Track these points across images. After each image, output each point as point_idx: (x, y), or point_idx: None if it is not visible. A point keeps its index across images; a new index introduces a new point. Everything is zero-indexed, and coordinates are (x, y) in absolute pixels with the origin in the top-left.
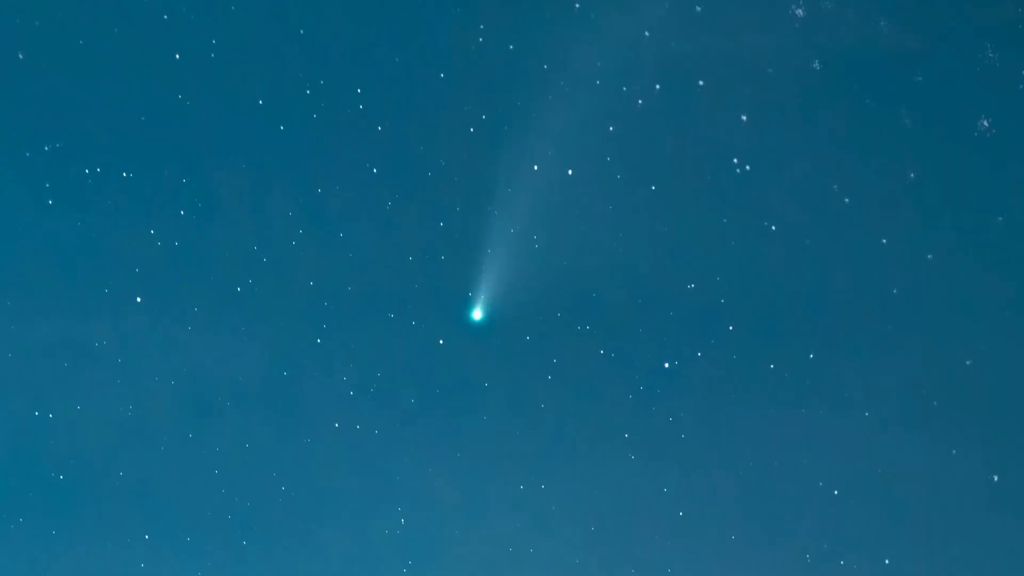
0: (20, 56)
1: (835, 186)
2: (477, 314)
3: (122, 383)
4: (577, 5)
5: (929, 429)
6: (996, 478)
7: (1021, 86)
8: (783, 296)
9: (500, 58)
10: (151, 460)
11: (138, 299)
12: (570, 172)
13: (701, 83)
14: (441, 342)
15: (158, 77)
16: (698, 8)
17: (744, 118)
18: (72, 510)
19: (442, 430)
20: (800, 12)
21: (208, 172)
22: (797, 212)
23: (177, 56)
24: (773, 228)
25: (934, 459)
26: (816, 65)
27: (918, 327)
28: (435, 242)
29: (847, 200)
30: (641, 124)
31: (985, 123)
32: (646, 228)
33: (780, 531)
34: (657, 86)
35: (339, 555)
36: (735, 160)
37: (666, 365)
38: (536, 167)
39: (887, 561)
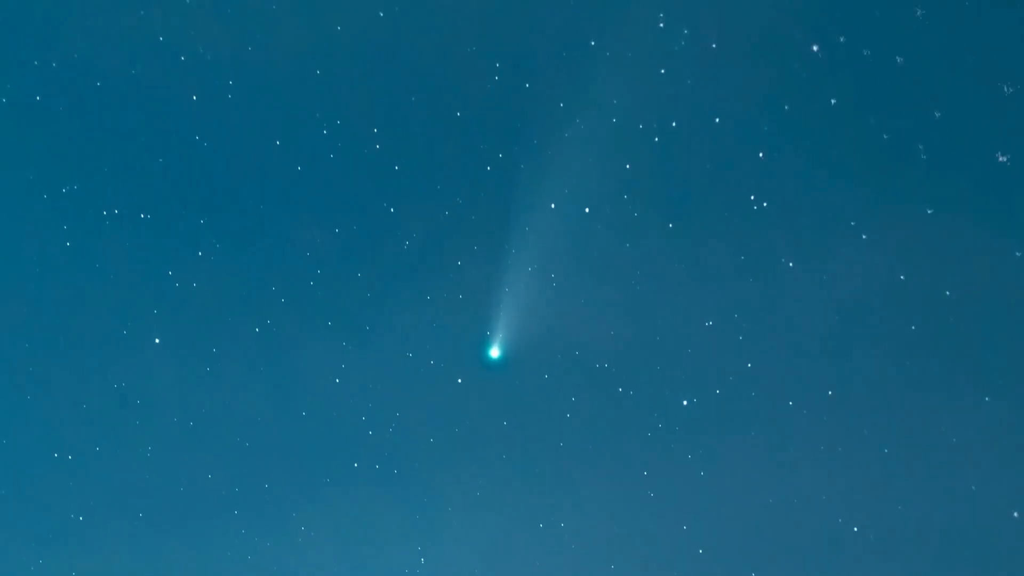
0: (38, 98)
1: (852, 222)
2: (495, 352)
3: (141, 424)
4: (593, 42)
5: (948, 465)
6: (1016, 514)
7: None
8: (801, 333)
9: (516, 96)
10: (170, 501)
11: (156, 340)
12: (587, 210)
13: (717, 120)
14: (460, 381)
15: (175, 119)
16: (714, 45)
17: (761, 155)
18: (92, 550)
19: (461, 469)
20: (816, 48)
21: (226, 213)
22: (814, 248)
23: (194, 97)
24: (790, 265)
25: (953, 496)
26: (832, 101)
27: (936, 363)
28: (453, 281)
29: (864, 236)
30: (658, 161)
31: (1002, 158)
32: (663, 265)
33: (800, 568)
34: (673, 123)
35: None
36: (752, 197)
37: (684, 402)
38: (553, 205)
39: None
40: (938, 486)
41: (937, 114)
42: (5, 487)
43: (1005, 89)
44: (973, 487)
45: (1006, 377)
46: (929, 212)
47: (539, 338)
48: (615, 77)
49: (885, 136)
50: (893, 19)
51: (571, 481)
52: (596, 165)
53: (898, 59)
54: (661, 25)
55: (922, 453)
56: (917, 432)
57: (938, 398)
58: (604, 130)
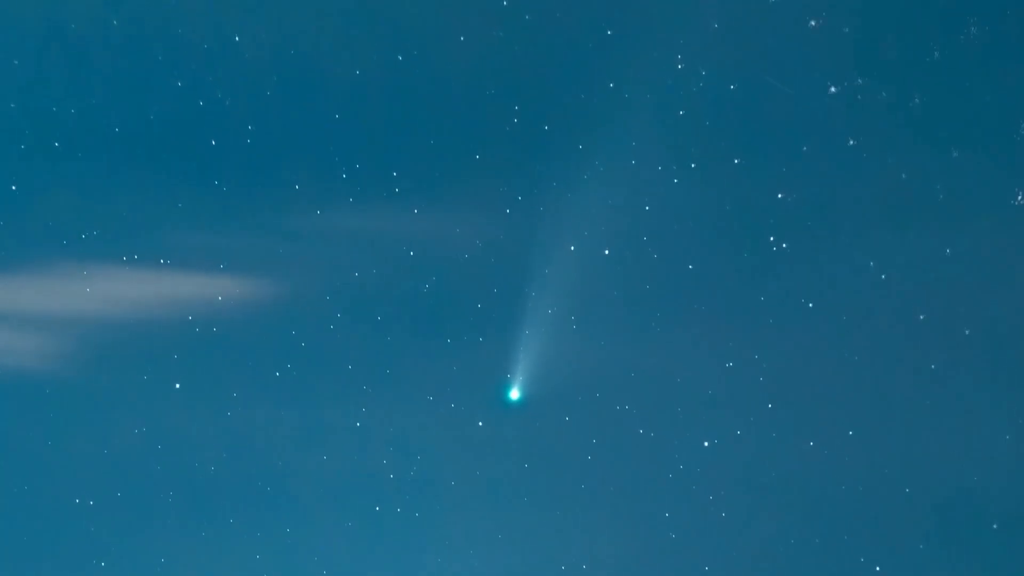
0: (56, 144)
1: (871, 262)
2: (515, 394)
3: (161, 469)
4: (611, 84)
5: (970, 506)
6: None
7: None
8: (822, 373)
9: (535, 138)
10: (192, 546)
11: (177, 385)
12: (606, 252)
13: (736, 161)
14: (480, 424)
15: (194, 163)
16: (732, 86)
17: (780, 196)
18: None
19: (483, 512)
20: (833, 89)
21: (245, 257)
22: (834, 289)
23: (213, 142)
24: (810, 305)
25: (978, 537)
26: (851, 142)
27: (957, 402)
28: (473, 324)
29: (883, 276)
30: (677, 203)
31: (1021, 199)
32: (684, 307)
33: None
34: (693, 164)
35: None
36: (771, 238)
37: (705, 444)
38: (572, 247)
39: None
40: (963, 527)
41: (955, 154)
42: (27, 534)
43: (1023, 129)
44: (995, 525)
45: None
46: (948, 252)
47: (560, 380)
48: (633, 119)
49: (903, 176)
50: (910, 61)
51: (593, 523)
52: (615, 207)
53: (916, 100)
54: (679, 67)
55: (945, 494)
56: (939, 472)
57: (959, 437)
58: (623, 172)
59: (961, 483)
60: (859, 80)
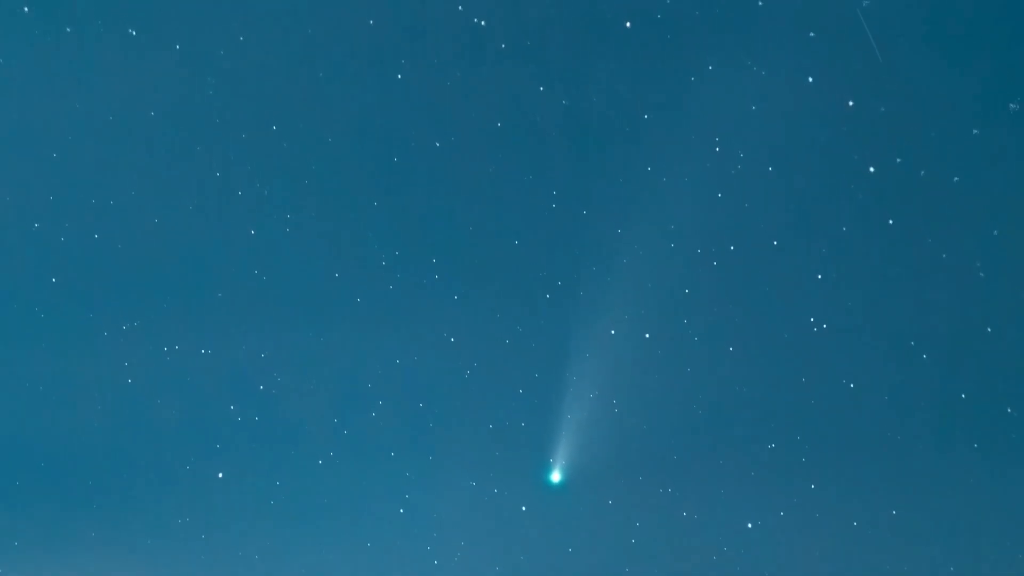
0: (95, 236)
1: (912, 342)
2: (556, 477)
3: (207, 559)
4: (649, 168)
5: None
6: None
7: None
8: (864, 454)
9: (573, 223)
10: None
11: (220, 475)
12: (647, 335)
13: (775, 243)
14: (524, 508)
15: (233, 254)
16: (770, 168)
17: (819, 276)
18: None
19: None
20: (872, 169)
21: (286, 347)
22: (874, 369)
23: (252, 232)
24: (852, 386)
25: None
26: (890, 221)
27: (1004, 481)
28: (515, 409)
29: (924, 356)
30: (716, 285)
31: None
32: (725, 389)
33: None
34: (732, 247)
35: None
36: (811, 319)
37: (749, 525)
38: (613, 331)
39: None
40: None
41: (995, 232)
42: None
43: None
44: None
45: None
46: (989, 330)
47: (602, 464)
48: (671, 202)
49: (944, 256)
50: (949, 139)
51: None
52: (655, 290)
53: (955, 179)
54: (717, 149)
55: (990, 566)
56: (985, 552)
57: (1000, 519)
58: (662, 255)
59: (1005, 556)
60: (897, 159)
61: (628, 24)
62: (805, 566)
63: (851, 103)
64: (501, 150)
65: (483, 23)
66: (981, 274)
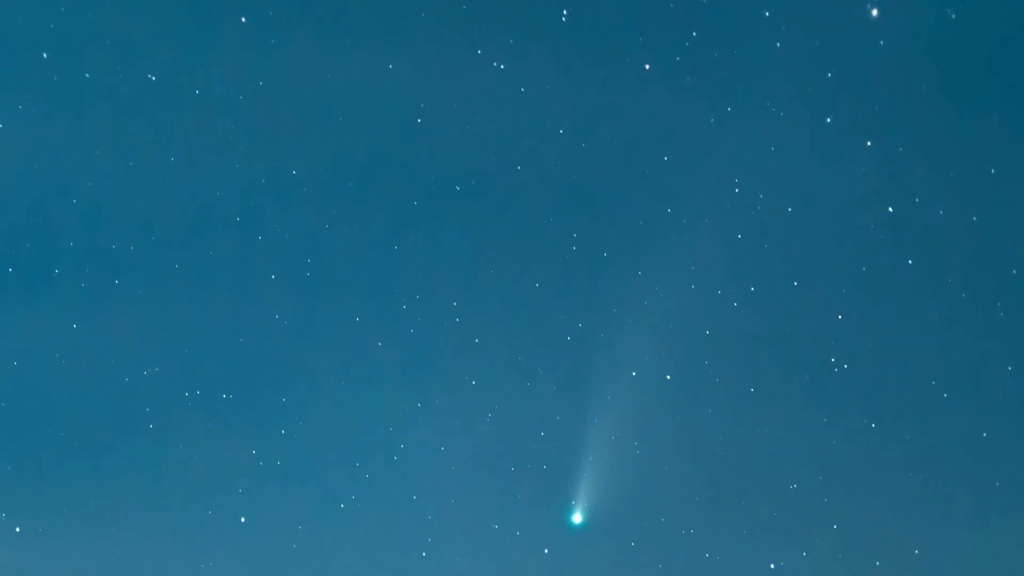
0: (116, 282)
1: (932, 382)
2: (578, 518)
3: None
4: (669, 209)
5: None
6: None
7: None
8: (886, 493)
9: (594, 266)
10: None
11: (242, 519)
12: (668, 377)
13: (796, 284)
14: (546, 551)
15: (253, 299)
16: (790, 208)
17: (840, 317)
18: None
19: None
20: (891, 210)
21: (306, 391)
22: (896, 409)
23: (273, 276)
24: (873, 426)
25: None
26: (909, 261)
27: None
28: (536, 452)
29: (945, 395)
30: (737, 327)
31: None
32: (746, 430)
33: None
34: (752, 288)
35: None
36: (832, 359)
37: (772, 566)
38: (634, 373)
39: None
40: None
41: (1014, 271)
42: None
43: None
44: None
45: None
46: (1009, 369)
47: (624, 506)
48: (691, 243)
49: (963, 296)
50: (967, 178)
51: None
52: (676, 332)
53: (973, 218)
54: (736, 190)
55: None
56: None
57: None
58: (683, 297)
59: None
60: (916, 199)
61: (647, 67)
62: None
63: (869, 143)
64: (521, 193)
65: (502, 67)
66: (1001, 314)
